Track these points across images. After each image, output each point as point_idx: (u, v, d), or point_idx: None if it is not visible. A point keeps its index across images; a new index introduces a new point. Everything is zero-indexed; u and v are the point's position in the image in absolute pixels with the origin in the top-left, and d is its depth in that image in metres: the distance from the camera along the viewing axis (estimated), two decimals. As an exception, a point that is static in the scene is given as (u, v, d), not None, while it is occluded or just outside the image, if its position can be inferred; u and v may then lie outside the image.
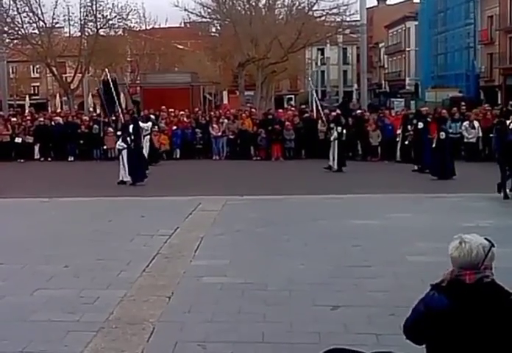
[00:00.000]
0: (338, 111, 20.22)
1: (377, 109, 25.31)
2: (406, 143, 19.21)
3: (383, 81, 70.18)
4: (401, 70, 64.80)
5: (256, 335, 5.33)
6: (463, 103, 23.52)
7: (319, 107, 21.84)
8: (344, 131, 18.31)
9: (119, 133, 16.03)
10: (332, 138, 18.36)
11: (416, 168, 17.71)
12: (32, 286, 6.77)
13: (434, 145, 16.37)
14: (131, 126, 16.38)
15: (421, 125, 17.96)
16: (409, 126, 19.20)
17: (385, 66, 70.59)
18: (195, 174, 17.97)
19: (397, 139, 20.35)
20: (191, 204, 11.76)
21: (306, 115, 23.57)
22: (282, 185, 15.18)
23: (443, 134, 16.26)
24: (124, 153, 15.78)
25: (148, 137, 19.49)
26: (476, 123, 20.39)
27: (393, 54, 67.13)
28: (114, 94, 17.07)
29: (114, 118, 18.01)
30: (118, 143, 15.91)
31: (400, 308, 5.54)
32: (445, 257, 3.40)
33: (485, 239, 3.37)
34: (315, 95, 24.10)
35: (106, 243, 8.83)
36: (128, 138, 15.88)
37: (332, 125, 18.79)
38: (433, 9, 52.18)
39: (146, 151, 18.14)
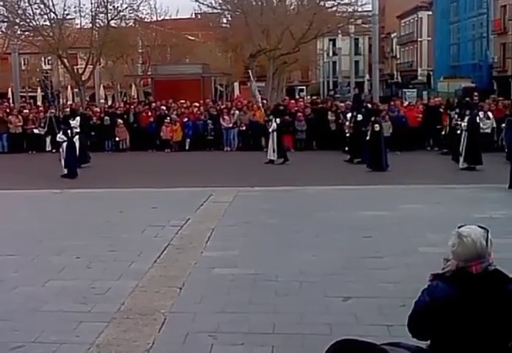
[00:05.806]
0: (350, 103, 19.95)
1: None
2: (347, 134, 19.16)
3: (395, 72, 69.79)
4: (413, 61, 64.42)
5: (267, 326, 5.33)
6: (475, 93, 23.31)
7: (258, 98, 21.58)
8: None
9: (62, 126, 16.17)
10: (270, 130, 18.34)
11: (347, 158, 17.86)
12: (43, 277, 6.80)
13: (368, 138, 16.45)
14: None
15: (360, 117, 17.94)
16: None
17: (397, 56, 70.19)
18: (206, 165, 17.97)
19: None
20: (203, 195, 11.77)
21: (320, 105, 23.45)
22: (293, 176, 15.15)
23: (377, 127, 16.37)
24: (65, 145, 15.85)
25: (78, 136, 17.27)
26: (490, 114, 20.24)
27: (406, 44, 66.74)
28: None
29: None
30: (59, 135, 16.06)
31: (411, 299, 5.47)
32: (457, 249, 3.37)
33: (479, 226, 3.38)
34: (255, 86, 23.40)
35: (117, 234, 8.85)
36: (68, 131, 16.01)
37: (270, 117, 18.74)
38: (446, -1, 51.84)
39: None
